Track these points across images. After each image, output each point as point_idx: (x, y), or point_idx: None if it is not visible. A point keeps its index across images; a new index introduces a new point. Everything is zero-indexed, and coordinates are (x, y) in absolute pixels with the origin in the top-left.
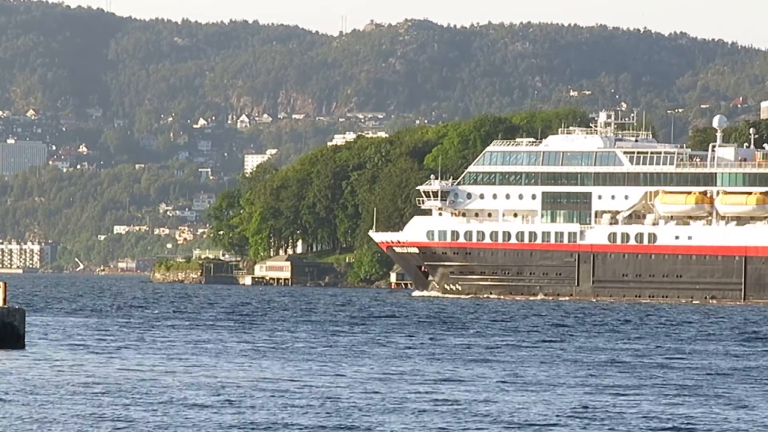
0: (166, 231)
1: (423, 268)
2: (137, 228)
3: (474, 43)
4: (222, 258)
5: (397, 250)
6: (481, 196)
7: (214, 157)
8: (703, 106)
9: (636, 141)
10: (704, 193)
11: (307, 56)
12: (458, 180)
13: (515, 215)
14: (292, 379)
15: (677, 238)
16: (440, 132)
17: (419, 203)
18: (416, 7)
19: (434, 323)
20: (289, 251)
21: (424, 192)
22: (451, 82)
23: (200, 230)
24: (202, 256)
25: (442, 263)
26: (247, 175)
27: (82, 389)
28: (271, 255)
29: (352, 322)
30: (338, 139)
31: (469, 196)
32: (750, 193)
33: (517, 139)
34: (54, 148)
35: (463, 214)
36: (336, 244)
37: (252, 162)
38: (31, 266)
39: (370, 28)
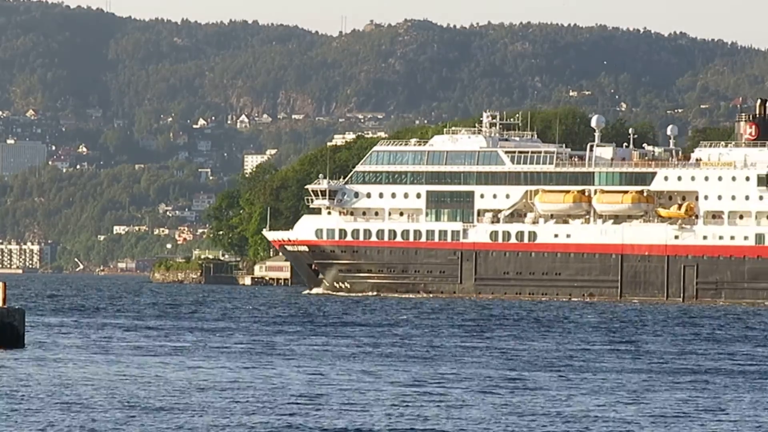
0: (166, 231)
1: (313, 267)
2: (137, 228)
3: (474, 43)
4: (222, 258)
5: (289, 248)
6: (368, 195)
7: (213, 157)
8: (702, 106)
9: (519, 141)
10: (582, 192)
11: (307, 56)
12: (346, 179)
13: (401, 214)
14: None
15: (556, 236)
16: (440, 132)
17: (308, 202)
18: (416, 7)
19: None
20: None
21: (312, 191)
22: (450, 82)
23: (200, 230)
24: (202, 256)
25: (331, 261)
26: (246, 175)
27: (81, 389)
28: (271, 255)
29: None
30: (338, 139)
31: (356, 195)
32: (626, 192)
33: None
34: (54, 148)
35: (351, 213)
36: None
37: (252, 162)
38: (30, 266)
39: (370, 28)
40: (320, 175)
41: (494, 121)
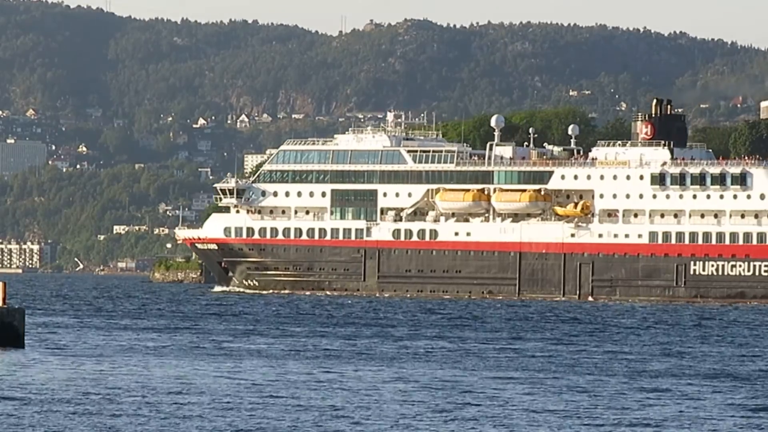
0: (166, 231)
1: (223, 265)
2: (137, 228)
3: (474, 43)
4: None
5: (199, 246)
6: (275, 194)
7: (213, 157)
8: (702, 106)
9: (423, 140)
10: (482, 190)
11: (307, 56)
12: (254, 178)
13: (307, 212)
14: None
15: (456, 234)
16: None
17: (217, 201)
18: (416, 7)
19: None
20: None
21: (220, 189)
22: (450, 82)
23: None
24: None
25: (239, 259)
26: (246, 175)
27: (81, 390)
28: None
29: None
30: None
31: (263, 193)
32: (524, 191)
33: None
34: (54, 147)
35: (259, 212)
36: None
37: (252, 162)
38: (30, 266)
39: (370, 28)
40: (228, 174)
41: (399, 120)
